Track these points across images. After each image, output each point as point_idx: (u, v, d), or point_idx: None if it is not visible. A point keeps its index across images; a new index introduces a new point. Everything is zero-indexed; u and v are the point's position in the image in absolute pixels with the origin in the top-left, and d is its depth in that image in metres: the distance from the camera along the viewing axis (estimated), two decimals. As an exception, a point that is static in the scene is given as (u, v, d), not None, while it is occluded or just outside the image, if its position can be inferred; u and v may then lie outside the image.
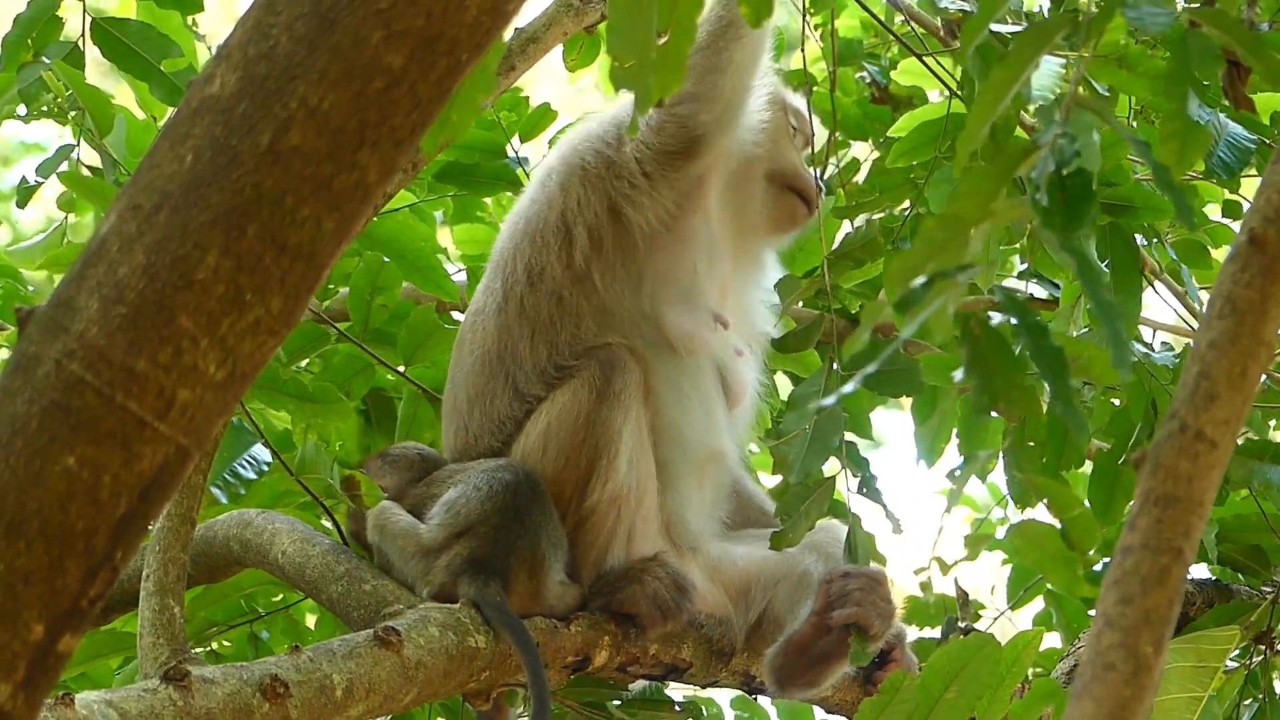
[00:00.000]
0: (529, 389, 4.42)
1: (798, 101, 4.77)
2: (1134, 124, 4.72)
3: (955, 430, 5.88)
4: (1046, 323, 2.42)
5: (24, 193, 5.11)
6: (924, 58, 4.44)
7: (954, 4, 4.05)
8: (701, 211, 4.51)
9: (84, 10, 4.98)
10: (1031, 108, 3.59)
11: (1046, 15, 4.32)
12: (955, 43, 4.43)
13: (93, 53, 5.00)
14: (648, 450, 4.40)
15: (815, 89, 5.46)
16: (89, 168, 5.06)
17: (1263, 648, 4.44)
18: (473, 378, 4.50)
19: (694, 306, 4.47)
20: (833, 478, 4.07)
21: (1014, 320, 2.42)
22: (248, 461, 4.81)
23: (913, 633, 5.30)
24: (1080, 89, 2.61)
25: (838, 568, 4.36)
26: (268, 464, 4.79)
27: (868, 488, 4.13)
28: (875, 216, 4.29)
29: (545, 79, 5.07)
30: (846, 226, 4.82)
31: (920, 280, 2.40)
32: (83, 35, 5.00)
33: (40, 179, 5.09)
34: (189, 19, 5.04)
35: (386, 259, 5.03)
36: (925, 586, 4.02)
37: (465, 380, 4.53)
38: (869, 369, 3.77)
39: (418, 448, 4.61)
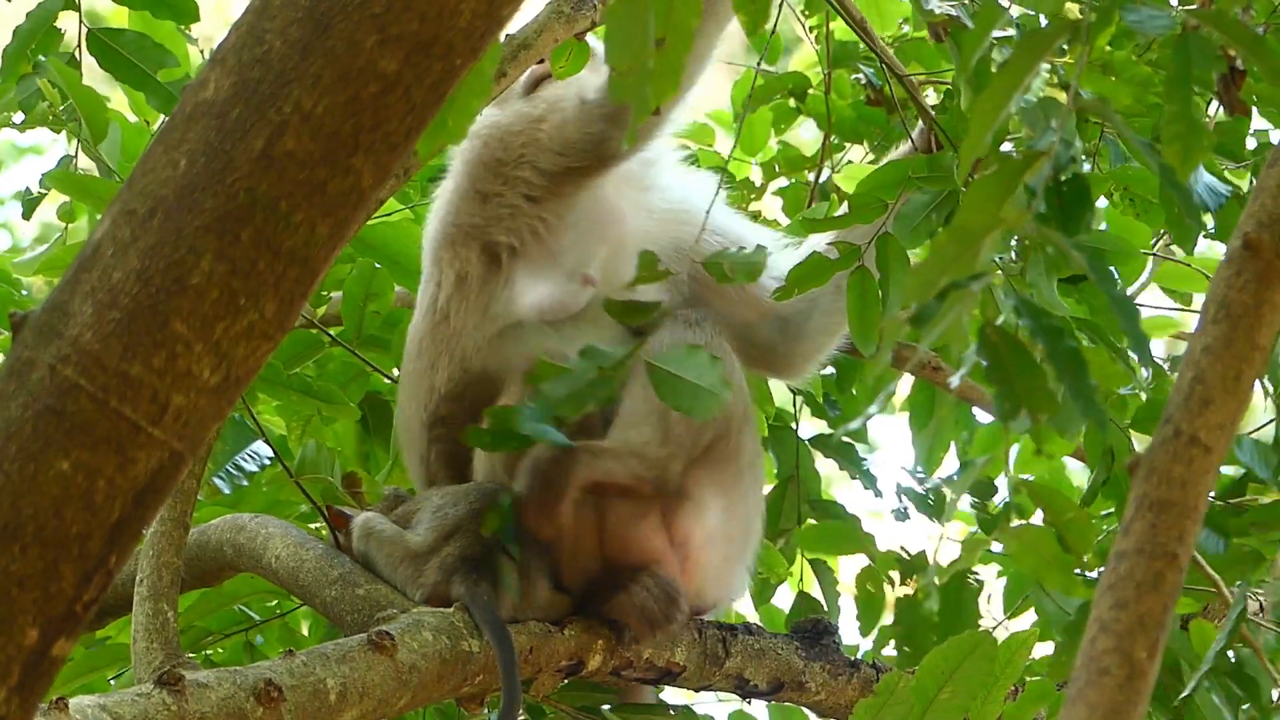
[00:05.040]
0: None
1: None
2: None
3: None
4: (1061, 326, 2.42)
5: (29, 203, 5.12)
6: (904, 79, 4.43)
7: (940, 7, 4.04)
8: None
9: (80, 21, 4.98)
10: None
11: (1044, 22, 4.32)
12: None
13: (88, 61, 5.01)
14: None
15: (810, 92, 5.48)
16: (86, 177, 5.07)
17: None
18: None
19: (551, 277, 4.50)
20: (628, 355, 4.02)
21: (1027, 325, 2.42)
22: (250, 455, 4.83)
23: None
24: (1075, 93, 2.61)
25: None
26: (270, 458, 4.80)
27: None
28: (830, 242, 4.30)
29: (539, 83, 5.06)
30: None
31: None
32: (79, 46, 5.01)
33: (43, 189, 5.10)
34: (182, 25, 5.04)
35: (379, 265, 5.04)
36: (924, 591, 4.02)
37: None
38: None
39: (396, 489, 4.66)
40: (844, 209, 4.32)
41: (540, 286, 4.51)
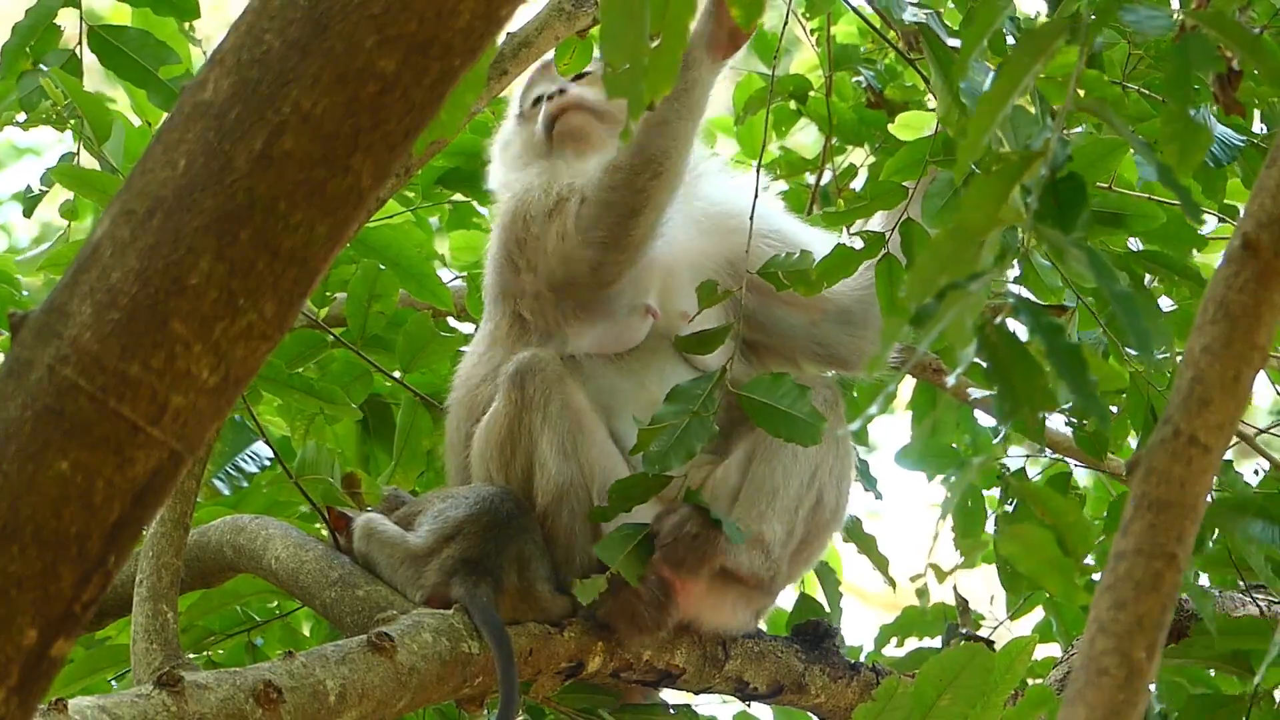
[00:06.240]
0: None
1: None
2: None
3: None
4: (1060, 323, 2.42)
5: (29, 201, 5.12)
6: (916, 64, 4.41)
7: (912, 16, 4.02)
8: None
9: (80, 18, 4.99)
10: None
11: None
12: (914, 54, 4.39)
13: (89, 59, 5.01)
14: (590, 436, 4.40)
15: (811, 94, 5.48)
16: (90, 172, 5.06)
17: None
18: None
19: (610, 311, 4.50)
20: (666, 479, 4.09)
21: (1026, 323, 2.41)
22: (250, 456, 4.83)
23: (911, 642, 5.31)
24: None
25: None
26: (270, 459, 4.81)
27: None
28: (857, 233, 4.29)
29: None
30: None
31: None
32: (79, 43, 5.01)
33: (45, 187, 5.11)
34: (185, 25, 5.05)
35: (382, 266, 5.04)
36: (922, 593, 4.03)
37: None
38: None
39: (395, 489, 4.67)
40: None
41: (597, 325, 4.50)
